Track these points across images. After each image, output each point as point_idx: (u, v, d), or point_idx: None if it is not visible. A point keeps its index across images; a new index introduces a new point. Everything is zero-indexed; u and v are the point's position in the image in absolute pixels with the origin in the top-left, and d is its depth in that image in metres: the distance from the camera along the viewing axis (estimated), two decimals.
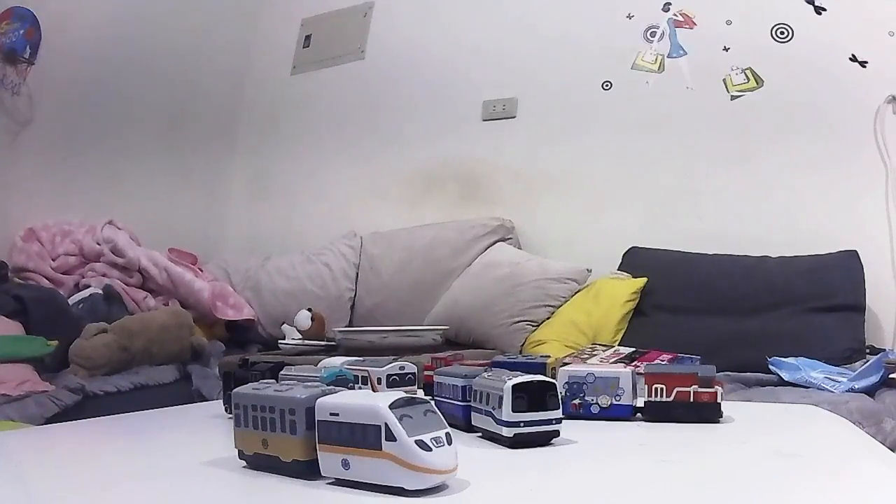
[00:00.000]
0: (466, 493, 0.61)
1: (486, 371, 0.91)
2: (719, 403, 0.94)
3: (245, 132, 3.71)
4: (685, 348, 1.99)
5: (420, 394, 1.01)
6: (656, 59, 2.76)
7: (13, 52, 2.63)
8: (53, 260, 2.64)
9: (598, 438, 0.88)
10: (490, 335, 2.46)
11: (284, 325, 2.56)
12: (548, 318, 2.45)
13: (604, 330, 2.33)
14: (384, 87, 3.34)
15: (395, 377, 1.03)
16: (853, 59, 2.42)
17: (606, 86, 2.84)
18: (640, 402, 0.98)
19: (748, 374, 1.92)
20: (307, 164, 3.47)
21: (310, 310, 2.50)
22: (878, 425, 1.52)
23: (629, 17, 2.81)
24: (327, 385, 0.78)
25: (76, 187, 2.93)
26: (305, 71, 3.60)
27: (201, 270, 2.97)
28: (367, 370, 1.04)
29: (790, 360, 1.90)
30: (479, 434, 0.87)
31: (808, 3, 2.50)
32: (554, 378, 0.91)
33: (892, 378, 1.76)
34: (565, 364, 1.07)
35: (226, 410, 1.03)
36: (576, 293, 2.50)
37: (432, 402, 0.66)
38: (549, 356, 1.11)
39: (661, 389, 0.95)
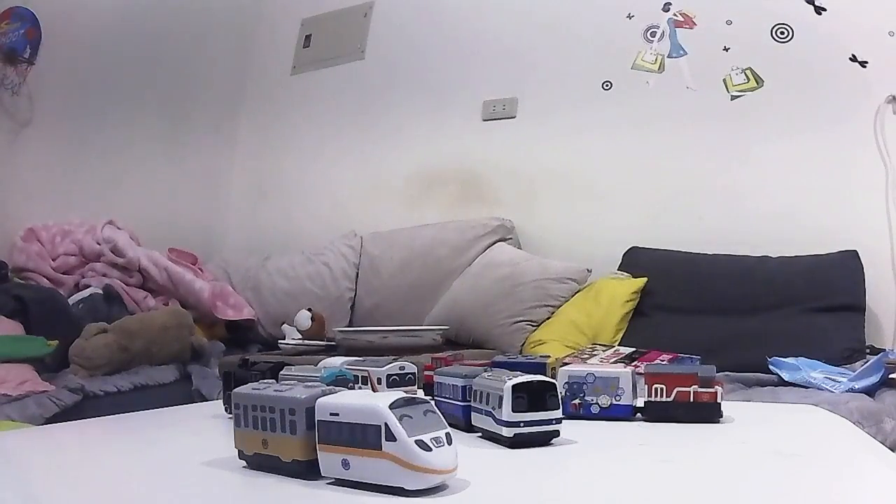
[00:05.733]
0: (466, 493, 0.61)
1: (486, 371, 0.91)
2: (719, 403, 0.94)
3: (245, 132, 3.71)
4: (685, 348, 1.99)
5: (420, 394, 1.01)
6: (656, 59, 2.76)
7: (13, 52, 2.63)
8: (53, 260, 2.64)
9: (598, 438, 0.88)
10: (490, 335, 2.46)
11: (284, 325, 2.56)
12: (548, 318, 2.45)
13: (604, 330, 2.33)
14: (384, 87, 3.34)
15: (395, 377, 1.03)
16: (853, 59, 2.42)
17: (606, 86, 2.84)
18: (640, 402, 0.98)
19: (748, 374, 1.92)
20: (307, 164, 3.47)
21: (310, 310, 2.50)
22: (878, 425, 1.52)
23: (629, 17, 2.81)
24: (327, 385, 0.78)
25: (76, 187, 2.93)
26: (305, 71, 3.60)
27: (201, 270, 2.98)
28: (367, 370, 1.04)
29: (790, 360, 1.90)
30: (479, 434, 0.87)
31: (808, 3, 2.50)
32: (554, 378, 0.91)
33: (892, 378, 1.76)
34: (565, 364, 1.06)
35: (226, 410, 1.03)
36: (576, 293, 2.50)
37: (432, 402, 0.66)
38: (549, 356, 1.11)
39: (661, 389, 0.95)
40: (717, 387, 0.94)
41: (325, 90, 3.50)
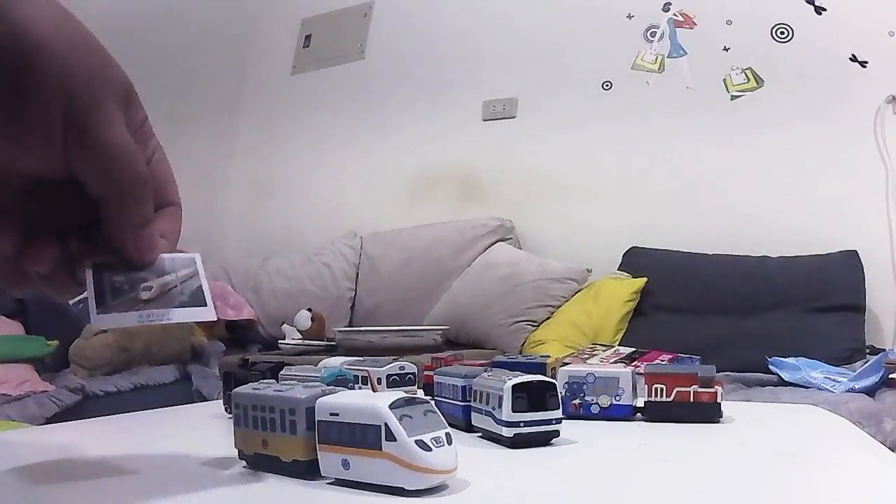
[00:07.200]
0: (466, 493, 0.61)
1: (486, 371, 0.91)
2: (719, 403, 0.94)
3: (245, 132, 3.71)
4: (685, 348, 1.99)
5: (420, 394, 1.01)
6: (656, 59, 2.76)
7: None
8: None
9: (598, 438, 0.88)
10: (490, 335, 2.46)
11: (284, 325, 2.56)
12: (548, 318, 2.45)
13: (604, 330, 2.33)
14: (384, 87, 3.34)
15: (395, 377, 1.03)
16: (853, 59, 2.42)
17: (606, 86, 2.84)
18: (640, 402, 0.98)
19: (748, 374, 1.93)
20: (307, 164, 3.48)
21: (310, 310, 2.50)
22: (878, 425, 1.53)
23: (629, 17, 2.81)
24: (327, 385, 0.78)
25: None
26: (305, 71, 3.60)
27: None
28: (367, 370, 1.04)
29: (790, 360, 1.90)
30: (479, 434, 0.87)
31: (808, 3, 2.50)
32: (554, 378, 0.90)
33: (892, 378, 1.76)
34: (565, 364, 1.06)
35: (226, 410, 1.03)
36: (576, 293, 2.51)
37: (432, 402, 0.66)
38: (549, 356, 1.11)
39: (661, 389, 0.95)
40: (717, 387, 0.94)
41: (325, 90, 3.51)
